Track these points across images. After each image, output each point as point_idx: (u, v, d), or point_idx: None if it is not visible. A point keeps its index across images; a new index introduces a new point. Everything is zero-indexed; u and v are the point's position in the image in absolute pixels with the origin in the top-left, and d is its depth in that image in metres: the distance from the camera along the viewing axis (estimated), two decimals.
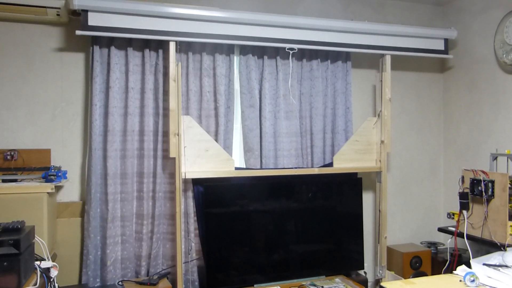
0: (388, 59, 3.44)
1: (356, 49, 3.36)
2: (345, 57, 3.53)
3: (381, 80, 3.46)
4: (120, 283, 2.94)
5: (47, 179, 2.65)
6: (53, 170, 2.70)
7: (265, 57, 3.29)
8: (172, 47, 2.92)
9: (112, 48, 2.95)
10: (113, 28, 2.81)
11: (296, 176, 3.29)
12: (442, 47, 3.63)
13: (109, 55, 2.97)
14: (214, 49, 3.17)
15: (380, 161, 3.47)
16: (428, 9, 3.96)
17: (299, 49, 3.27)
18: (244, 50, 3.27)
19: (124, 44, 3.00)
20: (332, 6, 3.63)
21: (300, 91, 3.43)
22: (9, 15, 2.81)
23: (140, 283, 2.86)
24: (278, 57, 3.33)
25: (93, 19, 2.76)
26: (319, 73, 3.43)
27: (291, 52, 3.27)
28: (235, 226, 3.11)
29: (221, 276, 3.07)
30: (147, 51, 3.03)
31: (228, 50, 3.22)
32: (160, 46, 3.07)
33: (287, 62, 3.35)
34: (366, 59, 3.69)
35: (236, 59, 3.29)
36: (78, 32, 2.74)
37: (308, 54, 3.43)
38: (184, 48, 3.10)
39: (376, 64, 3.56)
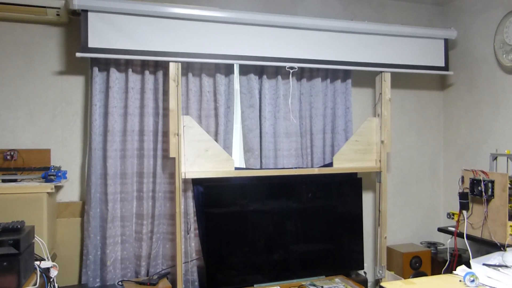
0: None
1: (356, 67, 3.35)
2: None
3: (381, 80, 3.46)
4: (120, 283, 2.94)
5: (47, 179, 2.65)
6: (53, 170, 2.70)
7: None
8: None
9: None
10: (112, 49, 2.79)
11: (296, 176, 3.28)
12: (442, 63, 3.62)
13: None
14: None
15: (380, 161, 3.47)
16: (428, 9, 3.96)
17: (299, 66, 3.25)
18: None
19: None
20: (332, 6, 3.63)
21: (300, 91, 3.43)
22: (9, 15, 2.81)
23: (140, 283, 2.86)
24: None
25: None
26: (318, 74, 3.43)
27: (291, 71, 3.27)
28: (235, 226, 3.11)
29: (221, 276, 3.07)
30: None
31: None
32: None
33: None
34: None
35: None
36: (78, 54, 2.73)
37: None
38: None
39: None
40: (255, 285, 3.12)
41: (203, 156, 3.04)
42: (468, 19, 3.68)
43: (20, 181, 2.65)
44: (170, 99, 2.92)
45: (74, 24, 2.96)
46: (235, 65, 3.25)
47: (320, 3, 3.60)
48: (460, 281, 2.18)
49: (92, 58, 2.91)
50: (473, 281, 2.10)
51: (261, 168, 3.27)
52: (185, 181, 3.09)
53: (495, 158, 3.01)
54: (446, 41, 3.64)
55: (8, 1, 2.65)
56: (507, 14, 3.28)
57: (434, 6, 3.96)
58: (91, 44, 2.76)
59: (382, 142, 3.46)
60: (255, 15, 3.07)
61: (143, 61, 3.02)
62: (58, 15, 2.81)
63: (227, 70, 3.22)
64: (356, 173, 3.49)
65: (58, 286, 2.34)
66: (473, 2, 3.64)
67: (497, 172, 2.64)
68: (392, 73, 3.52)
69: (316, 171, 3.31)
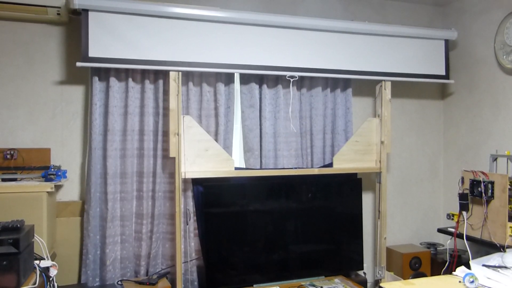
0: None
1: (357, 76, 3.34)
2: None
3: (382, 89, 3.46)
4: (119, 282, 2.94)
5: (46, 178, 2.65)
6: (52, 169, 2.70)
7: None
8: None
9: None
10: (112, 59, 2.79)
11: (296, 176, 3.28)
12: (443, 71, 3.62)
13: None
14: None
15: (380, 161, 3.47)
16: (428, 10, 3.96)
17: (299, 75, 3.24)
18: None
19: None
20: (332, 7, 3.63)
21: (300, 92, 3.43)
22: (9, 14, 2.81)
23: (140, 283, 2.86)
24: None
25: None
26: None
27: (291, 80, 3.26)
28: (235, 226, 3.11)
29: (221, 276, 3.07)
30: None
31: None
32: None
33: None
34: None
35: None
36: (78, 64, 2.73)
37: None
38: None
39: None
40: (254, 285, 3.12)
41: (203, 156, 3.04)
42: (469, 20, 3.68)
43: (20, 180, 2.65)
44: (170, 98, 2.92)
45: (75, 23, 2.96)
46: (235, 74, 3.25)
47: (320, 4, 3.60)
48: (460, 282, 2.18)
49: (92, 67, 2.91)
50: (472, 282, 2.10)
51: (261, 168, 3.27)
52: (185, 180, 3.09)
53: (495, 159, 3.01)
54: (447, 42, 3.64)
55: (8, 0, 2.65)
56: (507, 15, 3.28)
57: (435, 7, 3.96)
58: (92, 53, 2.75)
59: (382, 142, 3.46)
60: (256, 15, 3.06)
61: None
62: (58, 14, 2.81)
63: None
64: (356, 174, 3.49)
65: (57, 285, 2.35)
66: (473, 3, 3.64)
67: (497, 173, 2.64)
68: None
69: (316, 171, 3.31)
